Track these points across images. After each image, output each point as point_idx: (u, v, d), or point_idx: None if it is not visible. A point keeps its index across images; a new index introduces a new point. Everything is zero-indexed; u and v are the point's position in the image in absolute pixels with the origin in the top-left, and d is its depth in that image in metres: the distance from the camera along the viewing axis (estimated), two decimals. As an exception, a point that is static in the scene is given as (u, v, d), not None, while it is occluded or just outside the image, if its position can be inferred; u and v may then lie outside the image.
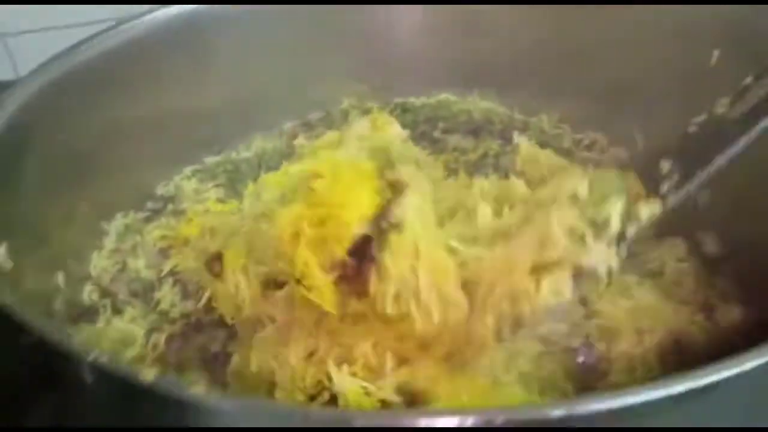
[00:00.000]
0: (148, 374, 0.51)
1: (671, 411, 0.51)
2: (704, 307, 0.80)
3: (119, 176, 0.93)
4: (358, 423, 0.47)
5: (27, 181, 0.77)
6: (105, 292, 0.87)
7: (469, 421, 0.47)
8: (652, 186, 0.73)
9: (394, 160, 0.81)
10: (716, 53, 0.87)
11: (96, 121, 0.88)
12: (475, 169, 0.98)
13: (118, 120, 0.91)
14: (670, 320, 0.76)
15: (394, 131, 0.92)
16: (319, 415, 0.50)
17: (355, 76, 1.07)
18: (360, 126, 0.92)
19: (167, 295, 0.87)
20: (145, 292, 0.88)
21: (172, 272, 0.89)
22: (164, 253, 0.91)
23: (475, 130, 1.07)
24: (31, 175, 0.78)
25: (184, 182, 1.01)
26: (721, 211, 0.87)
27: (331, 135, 0.98)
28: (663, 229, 0.89)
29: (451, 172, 0.96)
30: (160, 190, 1.00)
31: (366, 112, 1.05)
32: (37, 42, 1.16)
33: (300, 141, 1.06)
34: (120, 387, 0.55)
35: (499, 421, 0.47)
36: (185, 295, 0.87)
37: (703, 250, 0.88)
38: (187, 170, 1.02)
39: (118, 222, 0.93)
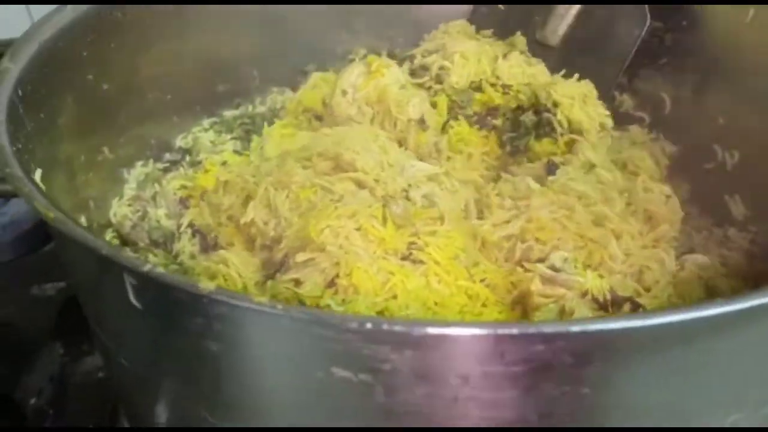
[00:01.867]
0: (208, 285, 0.49)
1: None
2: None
3: (140, 126, 0.92)
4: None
5: (57, 117, 0.75)
6: (126, 240, 0.85)
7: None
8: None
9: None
10: None
11: (121, 66, 0.86)
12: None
13: (140, 68, 0.89)
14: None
15: (391, 75, 0.90)
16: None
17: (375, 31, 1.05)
18: (355, 70, 0.91)
19: (186, 246, 0.85)
20: (165, 242, 0.86)
21: (190, 224, 0.87)
22: (183, 203, 0.89)
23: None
24: (61, 111, 0.75)
25: (202, 134, 0.99)
26: (749, 174, 0.88)
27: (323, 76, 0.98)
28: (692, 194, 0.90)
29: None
30: (179, 141, 0.98)
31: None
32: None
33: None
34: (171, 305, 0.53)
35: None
36: (203, 248, 0.84)
37: (732, 215, 0.88)
38: (206, 123, 1.01)
39: (138, 171, 0.92)
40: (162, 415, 0.64)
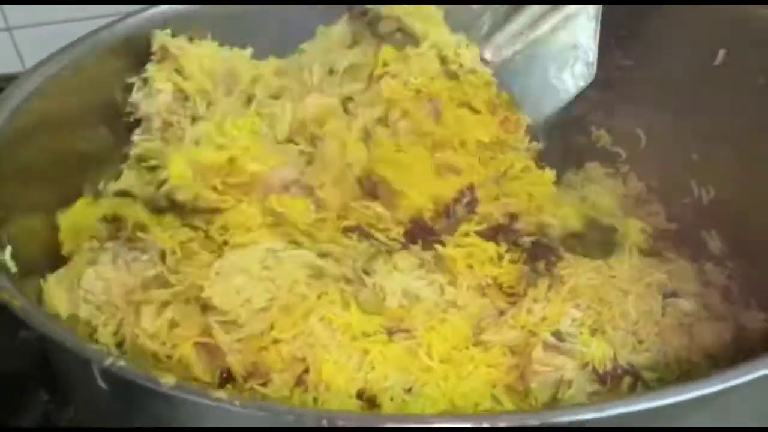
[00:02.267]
0: (168, 379, 0.50)
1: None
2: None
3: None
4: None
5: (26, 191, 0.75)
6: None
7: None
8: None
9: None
10: None
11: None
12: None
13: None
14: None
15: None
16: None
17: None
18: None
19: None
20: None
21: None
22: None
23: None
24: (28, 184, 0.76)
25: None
26: (725, 210, 0.88)
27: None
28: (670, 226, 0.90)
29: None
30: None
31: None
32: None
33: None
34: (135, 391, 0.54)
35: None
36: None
37: (709, 249, 0.88)
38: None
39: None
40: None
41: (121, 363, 0.51)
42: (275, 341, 0.68)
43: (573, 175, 0.96)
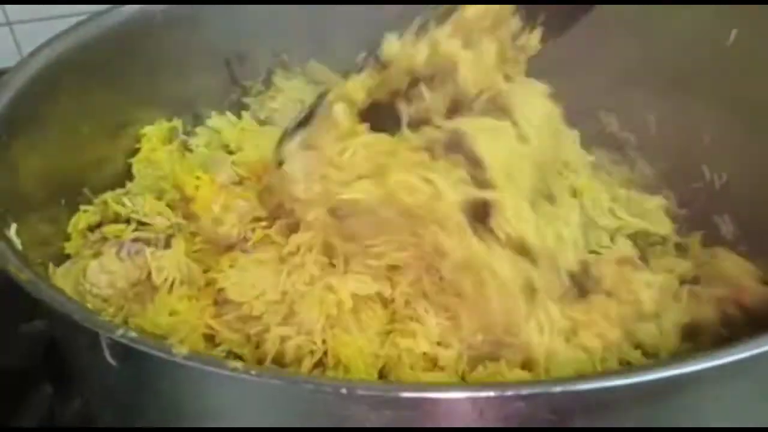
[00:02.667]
0: (181, 349, 0.48)
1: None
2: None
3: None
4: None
5: (31, 170, 0.74)
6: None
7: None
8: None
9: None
10: None
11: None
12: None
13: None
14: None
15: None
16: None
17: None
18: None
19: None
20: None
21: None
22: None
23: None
24: (35, 165, 0.75)
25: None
26: (738, 193, 0.87)
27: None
28: (681, 212, 0.89)
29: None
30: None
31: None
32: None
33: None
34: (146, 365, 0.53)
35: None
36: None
37: (721, 234, 0.87)
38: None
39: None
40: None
41: (132, 334, 0.49)
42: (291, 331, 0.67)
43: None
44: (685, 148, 0.92)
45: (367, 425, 0.48)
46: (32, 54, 0.78)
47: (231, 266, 0.72)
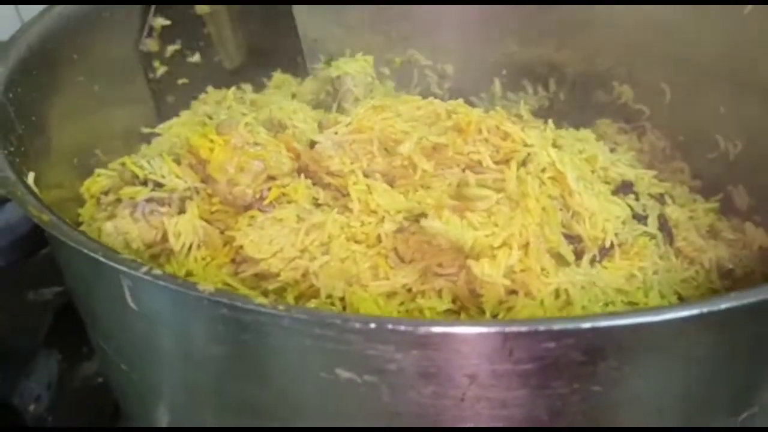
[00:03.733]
0: (207, 287, 0.48)
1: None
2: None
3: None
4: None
5: (48, 120, 0.74)
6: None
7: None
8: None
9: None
10: None
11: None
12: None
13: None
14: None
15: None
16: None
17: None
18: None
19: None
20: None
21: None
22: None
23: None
24: (52, 114, 0.74)
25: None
26: (753, 163, 0.87)
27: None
28: (695, 183, 0.89)
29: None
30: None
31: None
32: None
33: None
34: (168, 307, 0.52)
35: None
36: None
37: (735, 205, 0.87)
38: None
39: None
40: (162, 419, 0.62)
41: (157, 271, 0.48)
42: (311, 287, 0.67)
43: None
44: (699, 118, 0.91)
45: (393, 367, 0.48)
46: (41, 13, 0.77)
47: (249, 225, 0.72)
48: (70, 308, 0.77)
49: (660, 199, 0.83)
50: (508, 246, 0.64)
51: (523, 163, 0.71)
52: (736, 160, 0.89)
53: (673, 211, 0.82)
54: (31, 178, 0.63)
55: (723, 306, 0.44)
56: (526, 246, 0.64)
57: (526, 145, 0.71)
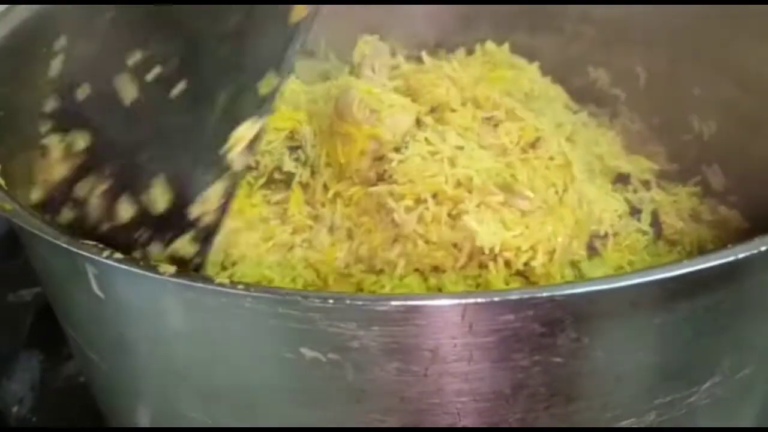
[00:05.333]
0: (168, 268, 0.48)
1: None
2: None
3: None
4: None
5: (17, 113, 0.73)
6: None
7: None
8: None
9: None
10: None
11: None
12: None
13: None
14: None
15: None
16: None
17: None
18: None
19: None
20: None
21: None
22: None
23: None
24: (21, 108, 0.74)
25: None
26: (727, 143, 0.87)
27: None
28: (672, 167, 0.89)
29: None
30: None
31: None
32: None
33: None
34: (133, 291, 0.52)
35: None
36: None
37: (711, 186, 0.87)
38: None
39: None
40: (135, 411, 0.63)
41: (118, 255, 0.49)
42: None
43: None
44: (674, 100, 0.91)
45: (355, 345, 0.48)
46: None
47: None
48: (50, 309, 0.77)
49: (646, 184, 0.83)
50: (534, 250, 0.65)
51: (532, 146, 0.71)
52: (710, 141, 0.89)
53: (656, 194, 0.83)
54: (-2, 171, 0.63)
55: (677, 272, 0.45)
56: (551, 253, 0.65)
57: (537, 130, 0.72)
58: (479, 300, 0.45)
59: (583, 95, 0.96)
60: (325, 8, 0.59)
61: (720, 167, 0.88)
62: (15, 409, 0.86)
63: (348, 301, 0.45)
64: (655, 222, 0.79)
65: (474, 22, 1.01)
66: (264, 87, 0.56)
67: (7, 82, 0.72)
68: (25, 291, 0.96)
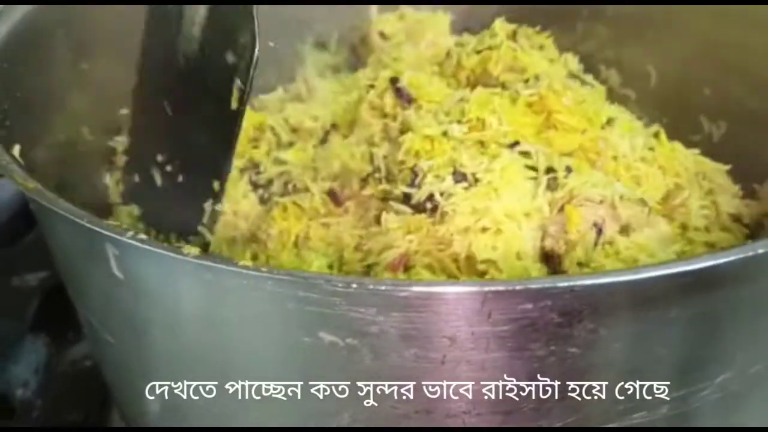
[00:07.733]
0: (191, 250, 0.48)
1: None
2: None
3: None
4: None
5: (34, 95, 0.73)
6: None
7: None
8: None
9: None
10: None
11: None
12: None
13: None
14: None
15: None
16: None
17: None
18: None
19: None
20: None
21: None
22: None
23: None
24: (38, 90, 0.74)
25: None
26: (736, 145, 0.88)
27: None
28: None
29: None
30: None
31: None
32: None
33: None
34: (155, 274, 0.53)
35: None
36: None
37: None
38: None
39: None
40: (148, 393, 0.63)
41: (141, 235, 0.49)
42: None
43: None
44: (684, 100, 0.92)
45: (374, 330, 0.48)
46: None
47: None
48: (56, 292, 0.77)
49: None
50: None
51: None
52: (720, 142, 0.89)
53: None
54: (16, 150, 0.63)
55: (697, 266, 0.45)
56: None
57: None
58: (499, 288, 0.45)
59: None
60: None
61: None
62: (20, 392, 0.86)
63: (371, 286, 0.46)
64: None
65: (485, 21, 1.02)
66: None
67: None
68: (31, 275, 0.97)
